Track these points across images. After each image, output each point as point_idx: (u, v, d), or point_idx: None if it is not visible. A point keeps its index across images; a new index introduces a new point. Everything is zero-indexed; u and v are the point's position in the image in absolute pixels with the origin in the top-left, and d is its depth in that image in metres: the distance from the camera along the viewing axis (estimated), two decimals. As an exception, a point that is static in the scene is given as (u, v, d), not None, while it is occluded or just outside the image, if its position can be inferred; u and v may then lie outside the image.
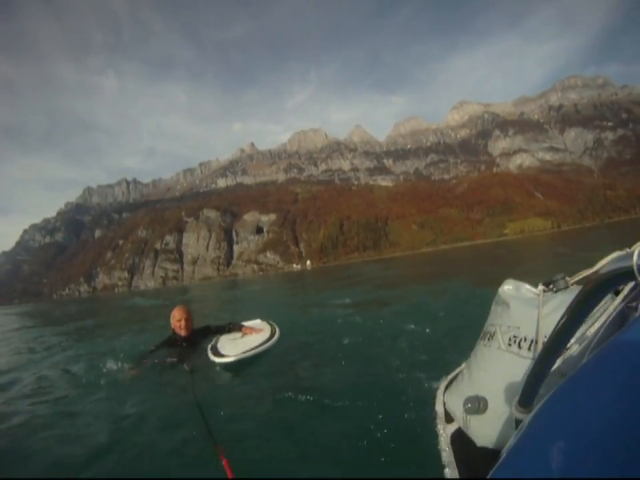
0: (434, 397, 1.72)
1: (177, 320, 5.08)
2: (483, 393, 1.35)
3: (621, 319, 0.93)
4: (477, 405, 1.31)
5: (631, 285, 0.87)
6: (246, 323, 5.77)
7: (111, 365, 4.72)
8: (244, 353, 4.28)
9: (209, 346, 4.76)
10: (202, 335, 5.30)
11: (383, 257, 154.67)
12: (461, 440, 1.41)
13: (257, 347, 4.49)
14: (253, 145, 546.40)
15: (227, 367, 4.18)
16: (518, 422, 0.92)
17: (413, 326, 5.48)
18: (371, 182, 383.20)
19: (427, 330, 5.13)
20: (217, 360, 4.20)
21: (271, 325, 5.55)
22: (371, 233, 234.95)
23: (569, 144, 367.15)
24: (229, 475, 1.77)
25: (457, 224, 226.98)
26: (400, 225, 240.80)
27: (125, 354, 5.32)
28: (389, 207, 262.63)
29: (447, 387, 1.74)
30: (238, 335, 5.23)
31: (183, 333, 5.07)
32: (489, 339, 1.46)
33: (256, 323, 5.81)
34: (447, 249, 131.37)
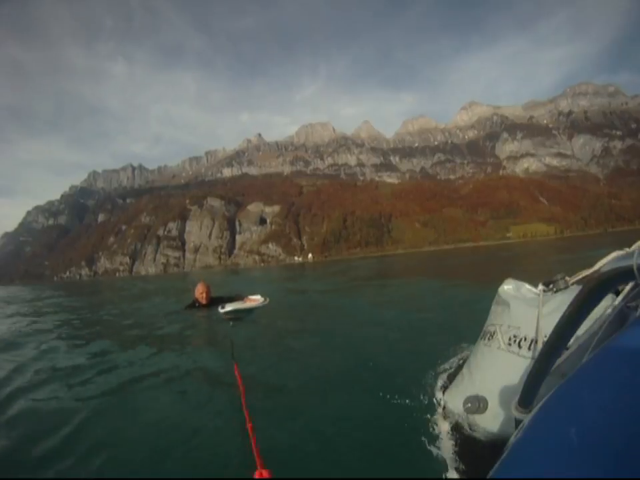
0: (433, 396, 1.68)
1: (200, 292, 7.09)
2: (483, 392, 1.35)
3: (620, 318, 0.93)
4: (477, 405, 1.32)
5: (630, 284, 0.87)
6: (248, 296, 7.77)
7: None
8: (240, 307, 6.74)
9: (220, 306, 6.73)
10: (216, 302, 7.08)
11: (385, 253, 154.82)
12: (460, 440, 1.40)
13: (250, 306, 6.88)
14: (260, 135, 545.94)
15: (228, 313, 6.40)
16: (518, 422, 0.92)
17: (397, 315, 5.81)
18: (377, 178, 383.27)
19: (412, 320, 5.14)
20: (222, 311, 6.51)
21: (264, 297, 7.43)
22: (374, 229, 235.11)
23: (576, 150, 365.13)
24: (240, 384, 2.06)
25: (461, 224, 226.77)
26: (403, 222, 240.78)
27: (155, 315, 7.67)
28: (393, 204, 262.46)
29: (446, 387, 1.72)
30: (241, 301, 7.05)
31: (204, 301, 7.08)
32: (489, 338, 1.47)
33: (255, 296, 7.58)
34: (450, 248, 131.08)
